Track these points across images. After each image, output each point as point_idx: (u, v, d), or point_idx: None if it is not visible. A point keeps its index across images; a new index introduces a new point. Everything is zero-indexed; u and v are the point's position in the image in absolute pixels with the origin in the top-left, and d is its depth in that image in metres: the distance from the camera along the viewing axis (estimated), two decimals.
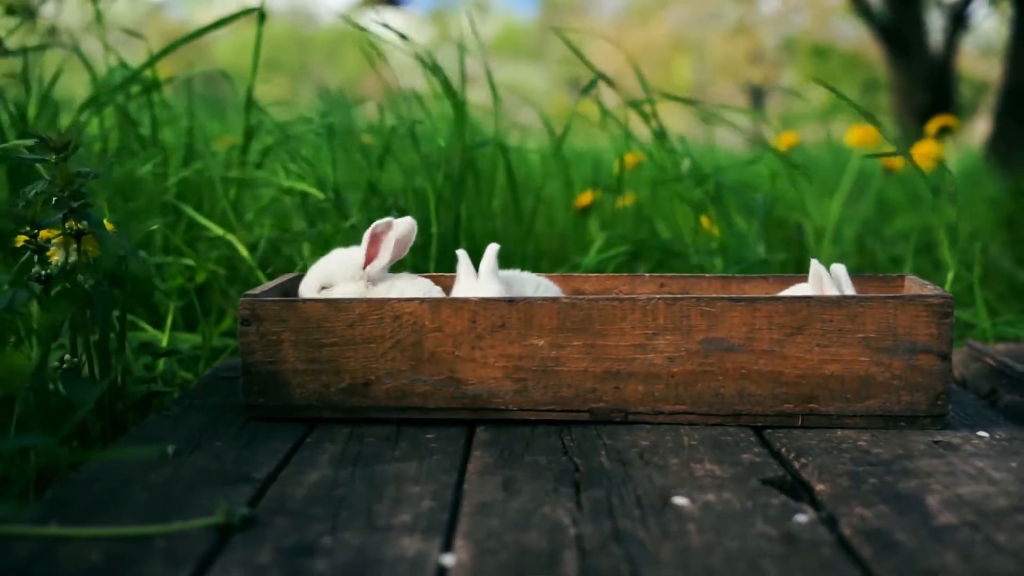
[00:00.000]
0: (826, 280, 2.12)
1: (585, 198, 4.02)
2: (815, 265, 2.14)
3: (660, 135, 3.58)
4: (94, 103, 3.27)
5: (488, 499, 1.62)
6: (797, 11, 27.60)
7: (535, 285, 2.30)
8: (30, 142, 2.08)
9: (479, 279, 2.24)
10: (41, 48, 3.38)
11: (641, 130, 3.87)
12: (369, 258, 2.25)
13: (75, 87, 3.66)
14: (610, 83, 3.50)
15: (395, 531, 1.48)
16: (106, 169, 2.21)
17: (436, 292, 2.27)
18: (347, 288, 2.23)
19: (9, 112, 3.09)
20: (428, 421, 2.07)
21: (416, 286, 2.26)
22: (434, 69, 3.36)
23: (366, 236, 2.22)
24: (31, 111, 3.16)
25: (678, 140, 3.60)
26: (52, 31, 3.55)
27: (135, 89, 3.50)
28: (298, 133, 3.45)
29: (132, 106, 3.54)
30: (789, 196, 4.50)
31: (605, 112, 3.73)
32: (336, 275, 2.25)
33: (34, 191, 2.04)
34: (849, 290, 2.17)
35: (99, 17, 3.47)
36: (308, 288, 2.26)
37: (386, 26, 3.29)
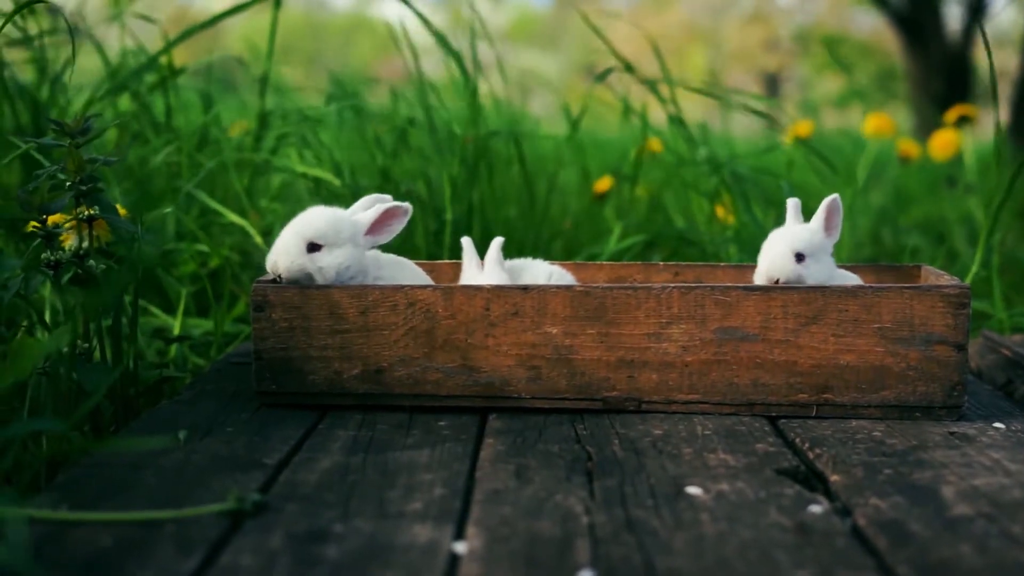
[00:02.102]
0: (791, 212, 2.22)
1: (601, 185, 4.02)
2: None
3: (678, 121, 3.56)
4: (110, 89, 3.27)
5: (500, 487, 1.61)
6: None
7: (548, 273, 2.29)
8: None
9: (484, 272, 2.23)
10: (54, 33, 3.38)
11: (658, 116, 3.86)
12: (374, 229, 2.15)
13: (90, 74, 3.66)
14: (628, 67, 3.49)
15: (407, 518, 1.47)
16: (121, 156, 2.20)
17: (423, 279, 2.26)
18: (341, 252, 2.10)
19: (23, 97, 3.09)
20: (440, 408, 2.06)
21: (404, 270, 2.25)
22: (450, 54, 3.36)
23: (377, 208, 2.15)
24: (43, 95, 3.16)
25: (696, 127, 3.59)
26: (72, 25, 3.55)
27: (151, 77, 3.50)
28: (312, 119, 3.44)
29: (147, 92, 3.54)
30: (805, 184, 4.48)
31: (625, 103, 3.72)
32: (329, 235, 2.09)
33: (42, 176, 2.04)
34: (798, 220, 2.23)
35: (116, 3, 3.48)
36: (291, 247, 2.09)
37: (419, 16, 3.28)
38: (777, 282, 2.10)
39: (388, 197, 2.24)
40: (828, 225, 2.17)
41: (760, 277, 2.14)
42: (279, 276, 2.09)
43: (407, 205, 2.17)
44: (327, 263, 2.08)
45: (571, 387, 2.04)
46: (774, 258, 2.13)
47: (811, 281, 2.09)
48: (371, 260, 2.17)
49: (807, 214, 2.19)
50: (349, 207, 2.22)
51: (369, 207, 2.20)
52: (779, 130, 3.74)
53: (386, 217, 2.16)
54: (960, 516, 1.48)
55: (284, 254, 2.08)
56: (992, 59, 2.60)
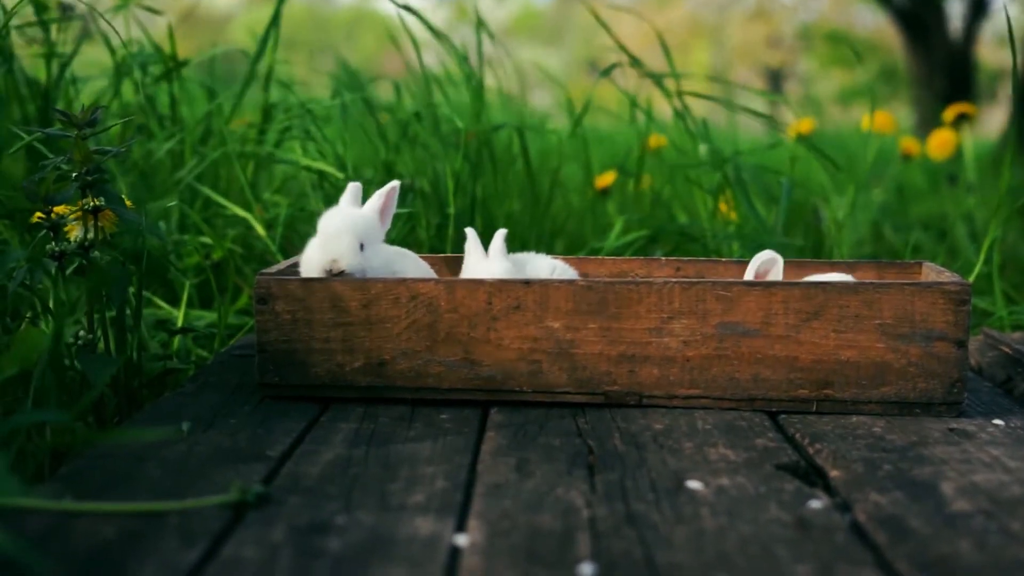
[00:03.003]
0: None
1: (605, 179, 4.02)
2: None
3: (682, 116, 3.57)
4: (114, 82, 3.28)
5: (501, 480, 1.62)
6: None
7: (551, 268, 2.29)
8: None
9: (489, 259, 2.24)
10: (63, 20, 3.39)
11: (662, 112, 3.86)
12: (382, 217, 2.21)
13: (97, 66, 3.66)
14: (635, 61, 3.49)
15: (408, 511, 1.48)
16: (127, 148, 2.21)
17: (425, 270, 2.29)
18: (378, 248, 2.17)
19: (30, 88, 3.09)
20: (442, 401, 2.07)
21: (408, 261, 2.27)
22: (452, 50, 3.36)
23: (378, 195, 2.19)
24: (51, 87, 3.17)
25: (699, 123, 3.59)
26: (83, 17, 3.55)
27: (156, 68, 3.50)
28: (315, 112, 3.45)
29: (151, 84, 3.54)
30: (808, 181, 4.48)
31: (631, 99, 3.72)
32: (369, 234, 2.15)
33: (49, 167, 2.04)
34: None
35: None
36: (352, 248, 2.10)
37: (408, 9, 3.28)
38: None
39: (359, 186, 2.25)
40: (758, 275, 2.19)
41: None
42: (339, 272, 2.09)
43: (395, 183, 2.22)
44: (374, 262, 2.13)
45: (572, 381, 2.04)
46: None
47: None
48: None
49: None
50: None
51: (353, 199, 2.22)
52: (781, 129, 3.74)
53: (386, 202, 2.20)
54: (959, 512, 1.49)
55: (347, 255, 2.09)
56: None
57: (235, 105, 3.47)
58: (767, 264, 2.18)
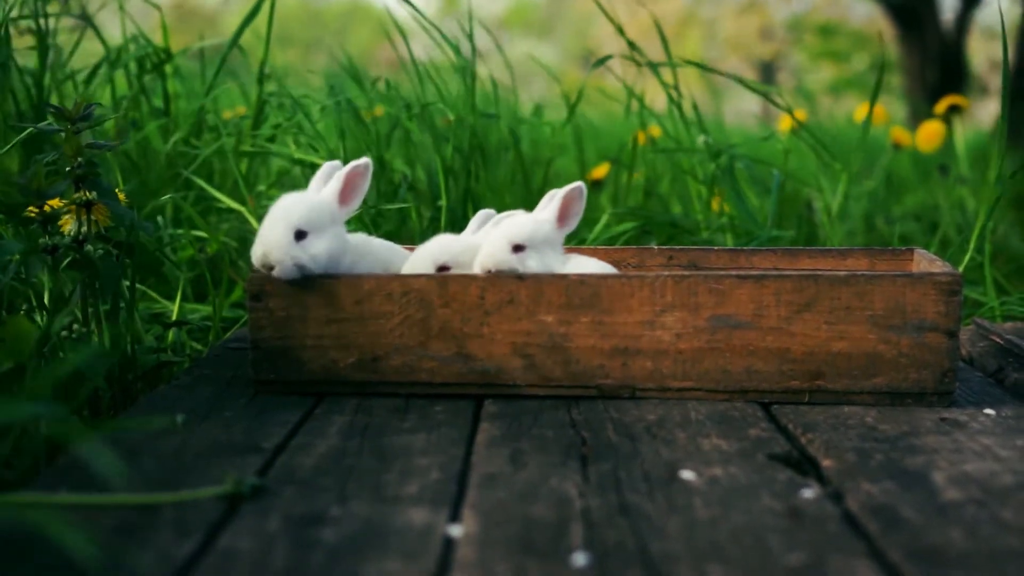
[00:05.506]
0: None
1: (598, 171, 4.02)
2: None
3: (677, 103, 3.57)
4: (108, 72, 3.28)
5: (495, 471, 1.62)
6: None
7: (596, 267, 2.28)
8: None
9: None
10: (58, 16, 3.38)
11: (657, 102, 3.86)
12: (343, 198, 2.11)
13: (92, 56, 3.65)
14: (632, 46, 3.49)
15: (403, 502, 1.48)
16: (119, 141, 2.21)
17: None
18: (329, 234, 2.06)
19: (24, 82, 3.09)
20: (436, 393, 2.07)
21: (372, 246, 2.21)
22: (445, 41, 3.36)
23: (338, 176, 2.11)
24: (45, 80, 3.16)
25: (693, 108, 3.59)
26: (80, 12, 3.55)
27: (150, 60, 3.50)
28: (309, 105, 3.44)
29: (143, 76, 3.54)
30: (801, 172, 4.49)
31: (628, 89, 3.72)
32: (314, 220, 2.04)
33: (41, 161, 2.05)
34: None
35: None
36: (281, 238, 2.01)
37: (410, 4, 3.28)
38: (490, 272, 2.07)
39: (338, 163, 2.18)
40: (561, 215, 2.15)
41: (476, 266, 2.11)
42: (270, 268, 2.03)
43: (365, 160, 2.12)
44: (319, 249, 2.04)
45: (566, 375, 2.05)
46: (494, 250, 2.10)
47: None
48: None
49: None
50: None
51: (326, 178, 2.15)
52: (778, 109, 3.74)
53: (350, 182, 2.11)
54: (951, 501, 1.50)
55: (276, 247, 2.01)
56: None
57: (213, 77, 3.45)
58: (570, 193, 2.14)
